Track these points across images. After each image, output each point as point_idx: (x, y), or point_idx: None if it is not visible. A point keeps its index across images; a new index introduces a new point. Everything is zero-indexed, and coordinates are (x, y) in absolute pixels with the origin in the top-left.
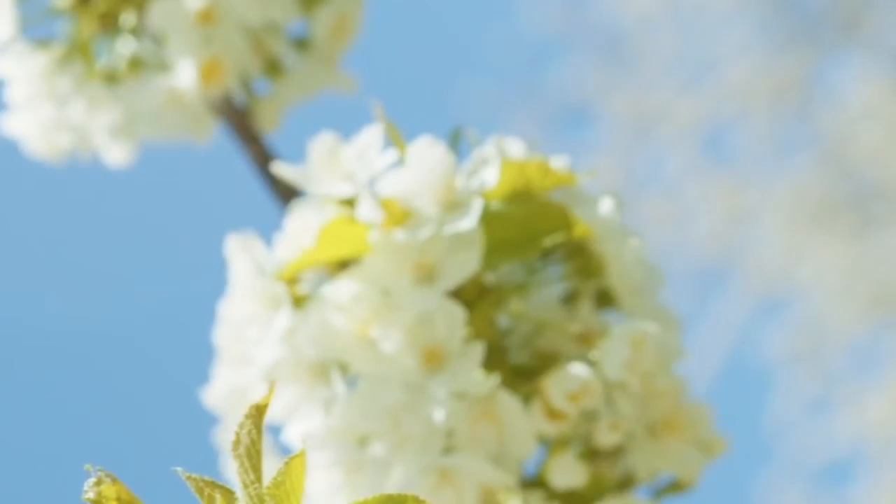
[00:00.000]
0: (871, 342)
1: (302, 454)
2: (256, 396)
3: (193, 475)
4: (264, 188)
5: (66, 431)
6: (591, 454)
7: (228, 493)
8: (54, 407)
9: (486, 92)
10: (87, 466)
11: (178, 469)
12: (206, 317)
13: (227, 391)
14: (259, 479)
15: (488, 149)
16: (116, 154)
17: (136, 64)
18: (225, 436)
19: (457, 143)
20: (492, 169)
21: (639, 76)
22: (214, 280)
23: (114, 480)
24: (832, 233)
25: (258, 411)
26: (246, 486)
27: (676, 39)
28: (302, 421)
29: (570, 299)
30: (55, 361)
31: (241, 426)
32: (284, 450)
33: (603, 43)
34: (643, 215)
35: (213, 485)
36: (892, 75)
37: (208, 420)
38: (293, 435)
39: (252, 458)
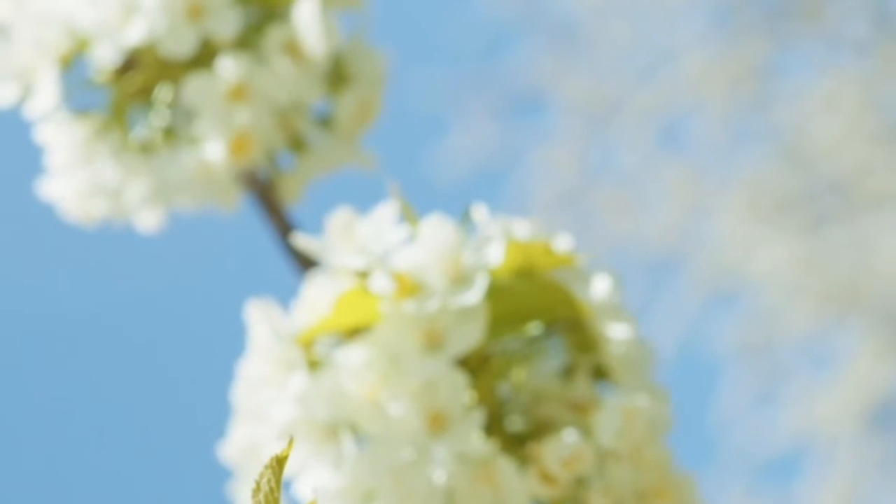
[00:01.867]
0: (821, 338)
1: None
2: (271, 452)
3: None
4: (285, 257)
5: (92, 487)
6: None
7: None
8: (81, 464)
9: (441, 79)
10: None
11: None
12: (227, 376)
13: (242, 447)
14: None
15: (495, 228)
16: (148, 220)
17: (169, 136)
18: (239, 488)
19: (467, 221)
20: (497, 247)
21: (595, 64)
22: (236, 342)
23: None
24: (786, 226)
25: (279, 462)
26: None
27: (633, 28)
28: (312, 477)
29: (568, 372)
30: (85, 420)
31: (262, 475)
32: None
33: (559, 30)
34: (597, 204)
35: None
36: (850, 67)
37: (224, 474)
38: (304, 489)
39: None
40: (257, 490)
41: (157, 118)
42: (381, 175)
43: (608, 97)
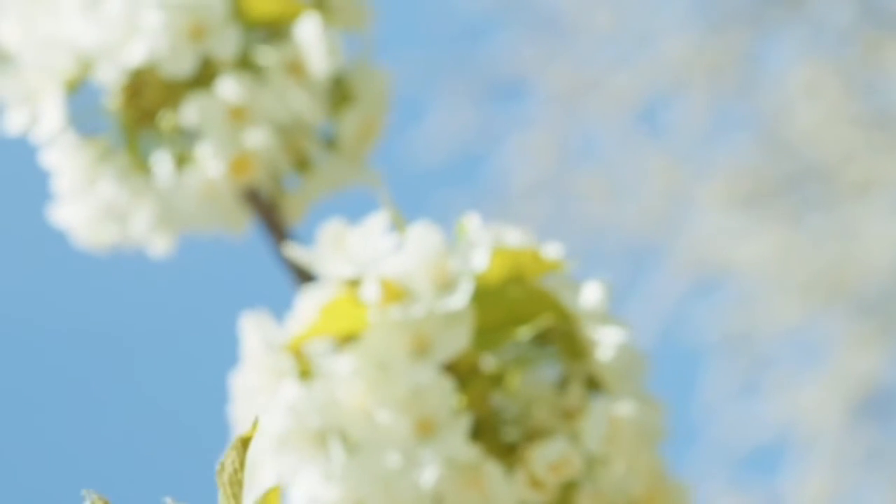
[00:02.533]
0: (804, 328)
1: (276, 488)
2: (267, 464)
3: None
4: (288, 277)
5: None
6: None
7: None
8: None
9: (420, 63)
10: (84, 492)
11: (168, 499)
12: (227, 392)
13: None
14: None
15: (482, 235)
16: (157, 245)
17: (176, 158)
18: None
19: (461, 232)
20: (482, 253)
21: (575, 49)
22: (237, 359)
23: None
24: (768, 214)
25: (243, 443)
26: None
27: (613, 12)
28: (304, 486)
29: (561, 381)
30: (86, 422)
31: (227, 456)
32: None
33: (538, 15)
34: (576, 190)
35: None
36: (832, 54)
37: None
38: (295, 498)
39: (234, 485)
40: (221, 470)
41: (162, 141)
42: (378, 190)
43: (588, 82)
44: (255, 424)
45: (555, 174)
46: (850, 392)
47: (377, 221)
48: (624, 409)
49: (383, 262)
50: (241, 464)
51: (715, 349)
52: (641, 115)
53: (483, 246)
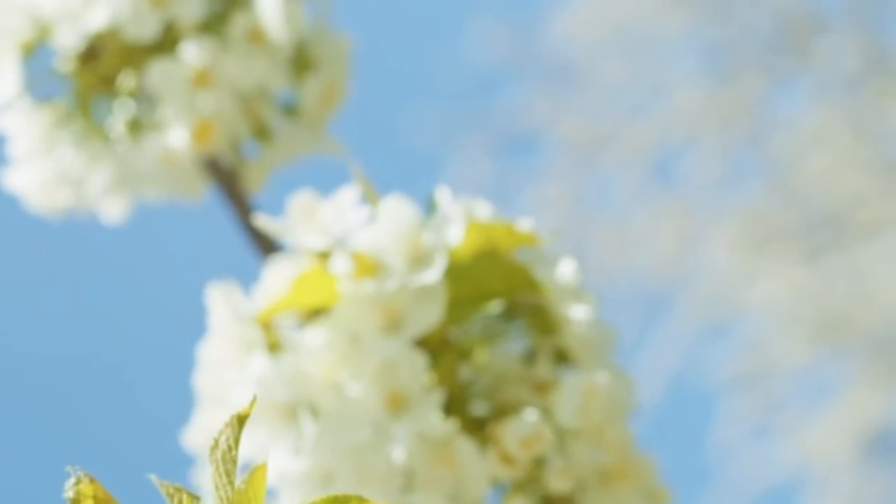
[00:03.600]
0: (816, 369)
1: (264, 465)
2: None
3: (165, 482)
4: (248, 246)
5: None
6: (548, 502)
7: (195, 499)
8: (49, 447)
9: (434, 118)
10: (68, 468)
11: (152, 476)
12: (191, 364)
13: (205, 432)
14: (231, 483)
15: (456, 209)
16: (112, 210)
17: (134, 124)
18: (203, 476)
19: (433, 206)
20: (456, 227)
21: (587, 102)
22: (200, 330)
23: (91, 480)
24: (779, 259)
25: (239, 421)
26: (218, 489)
27: (625, 65)
28: (273, 458)
29: (530, 354)
30: (49, 399)
31: (221, 433)
32: None
33: (551, 69)
34: (591, 240)
35: (181, 490)
36: (841, 101)
37: (188, 461)
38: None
39: (227, 462)
40: (215, 447)
41: (121, 106)
42: (349, 162)
43: (601, 134)
44: (253, 402)
45: (570, 224)
46: (862, 432)
47: (349, 193)
48: (596, 381)
49: (356, 234)
50: (236, 441)
51: (728, 391)
52: (655, 165)
53: (457, 220)
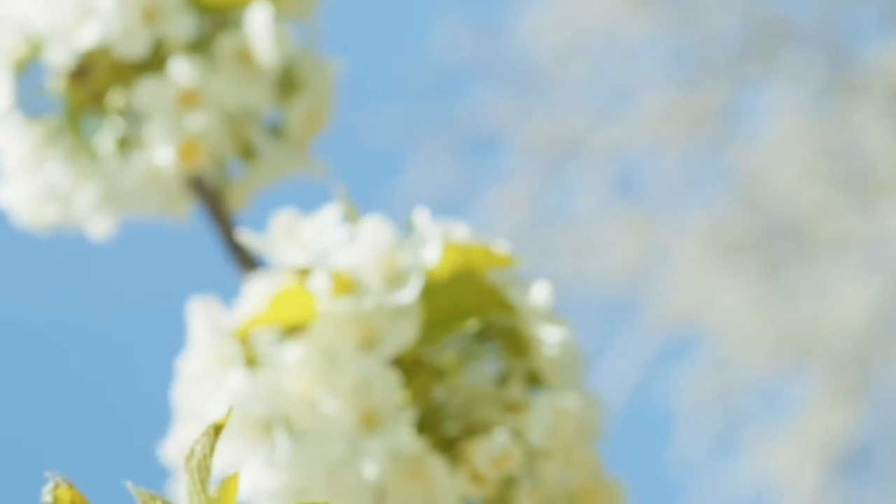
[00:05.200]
0: (778, 383)
1: (236, 475)
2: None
3: (140, 489)
4: (232, 265)
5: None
6: None
7: None
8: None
9: (396, 117)
10: (47, 473)
11: (127, 483)
12: (171, 379)
13: (182, 446)
14: (205, 491)
15: (433, 230)
16: (98, 227)
17: (122, 141)
18: (179, 488)
19: (411, 226)
20: (433, 248)
21: (551, 105)
22: (182, 346)
23: (69, 486)
24: (742, 270)
25: (215, 430)
26: (192, 496)
27: (590, 68)
28: (247, 473)
29: (503, 376)
30: (32, 410)
31: (197, 442)
32: None
33: (516, 70)
34: (551, 245)
35: (156, 497)
36: (807, 112)
37: (165, 475)
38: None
39: (202, 471)
40: (191, 456)
41: (110, 123)
42: (332, 182)
43: (564, 137)
44: (229, 412)
45: (530, 228)
46: (825, 449)
47: (330, 213)
48: (567, 403)
49: (335, 253)
50: (211, 450)
51: (689, 405)
52: (617, 170)
53: (434, 241)
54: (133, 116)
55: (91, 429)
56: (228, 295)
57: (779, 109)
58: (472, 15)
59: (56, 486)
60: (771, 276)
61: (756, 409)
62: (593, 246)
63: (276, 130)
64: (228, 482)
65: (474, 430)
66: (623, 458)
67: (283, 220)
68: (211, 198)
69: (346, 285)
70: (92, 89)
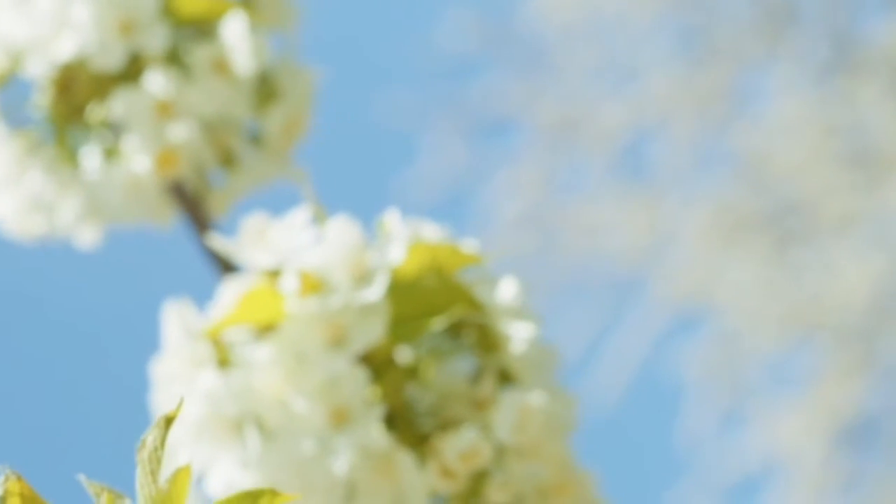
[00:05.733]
0: (785, 358)
1: (187, 467)
2: (184, 451)
3: (92, 481)
4: (213, 272)
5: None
6: None
7: (119, 497)
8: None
9: (407, 101)
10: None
11: (80, 476)
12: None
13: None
14: (156, 482)
15: (400, 229)
16: (83, 236)
17: (105, 152)
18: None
19: (382, 228)
20: (399, 247)
21: (560, 86)
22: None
23: (18, 478)
24: (749, 248)
25: (167, 422)
26: (143, 487)
27: (598, 49)
28: (220, 472)
29: (475, 374)
30: (19, 408)
31: (149, 433)
32: (207, 500)
33: (524, 53)
34: (561, 225)
35: (106, 489)
36: (813, 91)
37: None
38: (213, 486)
39: (153, 462)
40: (142, 447)
41: (90, 134)
42: (303, 183)
43: (573, 118)
44: (179, 404)
45: (540, 209)
46: (832, 422)
47: (299, 215)
48: (534, 399)
49: (303, 253)
50: (163, 442)
51: (698, 381)
52: (625, 151)
53: (400, 240)
54: (113, 127)
55: (68, 430)
56: (210, 301)
57: (784, 89)
58: None
59: (5, 479)
60: (777, 253)
61: (763, 383)
62: (602, 225)
63: (255, 138)
64: (179, 474)
65: (446, 426)
66: (633, 431)
67: (253, 223)
68: (192, 205)
69: (314, 285)
70: (73, 101)
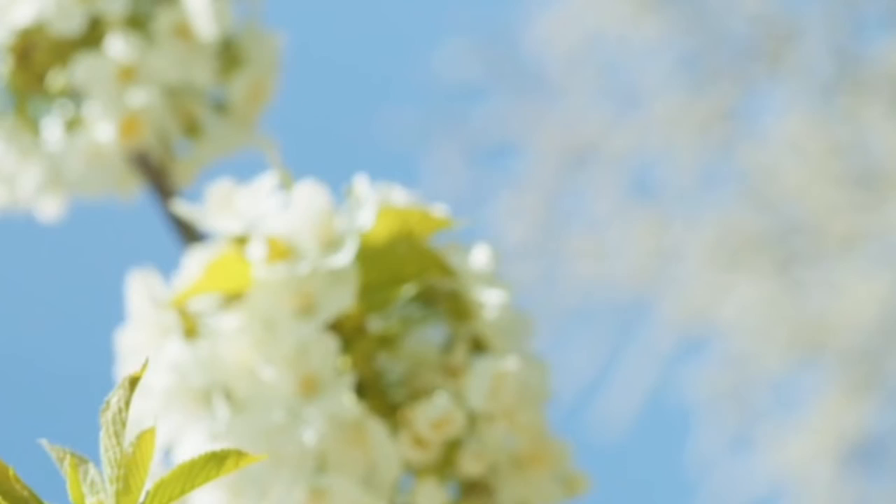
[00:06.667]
0: (792, 379)
1: (152, 430)
2: (150, 422)
3: (55, 445)
4: (178, 242)
5: None
6: (465, 488)
7: (82, 461)
8: None
9: (410, 125)
10: None
11: (42, 440)
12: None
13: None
14: (120, 444)
15: (369, 193)
16: (46, 207)
17: (68, 121)
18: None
19: (351, 193)
20: (368, 211)
21: (564, 110)
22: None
23: None
24: (755, 270)
25: (131, 383)
26: (107, 450)
27: (600, 73)
28: (189, 442)
29: (447, 342)
30: None
31: (113, 395)
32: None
33: (527, 77)
34: (566, 249)
35: (68, 452)
36: (816, 111)
37: None
38: (181, 455)
39: (116, 423)
40: (106, 409)
41: (51, 103)
42: (268, 149)
43: (577, 142)
44: (144, 366)
45: (544, 233)
46: (840, 441)
47: (265, 181)
48: (507, 366)
49: (270, 219)
50: (127, 403)
51: (705, 403)
52: (630, 174)
53: (369, 205)
54: (75, 95)
55: (33, 402)
56: (176, 271)
57: (787, 109)
58: (483, 23)
59: None
60: (783, 274)
61: (770, 404)
62: (608, 248)
63: (220, 106)
64: (144, 436)
65: (418, 395)
66: (643, 455)
67: (219, 190)
68: (156, 175)
69: (282, 251)
70: (33, 69)
